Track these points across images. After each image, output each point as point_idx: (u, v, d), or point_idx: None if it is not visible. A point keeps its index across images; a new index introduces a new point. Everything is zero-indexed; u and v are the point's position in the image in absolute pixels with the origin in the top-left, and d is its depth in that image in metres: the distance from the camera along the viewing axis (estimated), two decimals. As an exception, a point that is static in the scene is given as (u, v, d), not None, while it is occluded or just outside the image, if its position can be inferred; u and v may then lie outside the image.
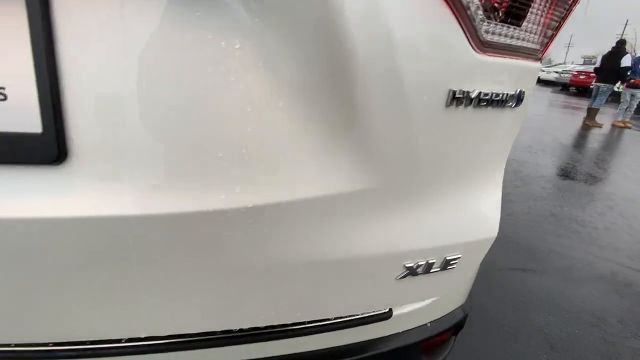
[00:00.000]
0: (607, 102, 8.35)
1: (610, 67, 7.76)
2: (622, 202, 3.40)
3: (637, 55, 8.86)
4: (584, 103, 8.98)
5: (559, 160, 4.74)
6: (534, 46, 0.58)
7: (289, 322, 0.62)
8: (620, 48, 7.85)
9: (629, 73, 8.01)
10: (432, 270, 0.65)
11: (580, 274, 2.16)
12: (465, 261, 0.69)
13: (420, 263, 0.63)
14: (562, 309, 1.84)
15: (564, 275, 2.12)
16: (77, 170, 0.43)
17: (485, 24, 0.50)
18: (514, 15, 0.52)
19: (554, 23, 0.58)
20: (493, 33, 0.51)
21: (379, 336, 0.69)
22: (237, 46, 0.42)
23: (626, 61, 7.56)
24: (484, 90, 0.53)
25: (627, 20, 38.26)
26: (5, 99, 0.39)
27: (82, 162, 0.43)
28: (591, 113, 8.19)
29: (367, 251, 0.58)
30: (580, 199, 3.38)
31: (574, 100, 13.33)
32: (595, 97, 8.26)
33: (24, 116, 0.40)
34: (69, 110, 0.40)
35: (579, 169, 4.44)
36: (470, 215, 0.66)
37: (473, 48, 0.50)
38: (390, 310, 0.68)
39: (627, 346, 1.63)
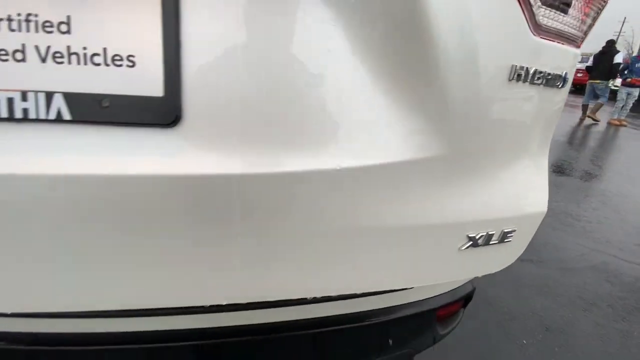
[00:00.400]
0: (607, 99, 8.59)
1: (603, 65, 8.13)
2: (615, 198, 3.55)
3: (634, 55, 9.06)
4: (580, 101, 9.17)
5: (554, 157, 4.89)
6: (577, 33, 0.65)
7: (358, 291, 0.65)
8: (611, 47, 8.20)
9: (625, 72, 8.24)
10: (491, 242, 0.67)
11: (574, 264, 2.30)
12: (520, 235, 0.71)
13: (481, 234, 0.65)
14: (557, 295, 1.98)
15: (559, 265, 2.27)
16: (188, 132, 0.47)
17: (542, 9, 0.57)
18: (563, 4, 0.60)
19: (593, 13, 0.66)
20: (547, 18, 0.57)
21: (403, 302, 0.82)
22: (333, 18, 0.47)
23: (619, 58, 7.96)
24: (539, 69, 0.58)
25: (625, 18, 38.47)
26: (133, 65, 0.44)
27: (193, 125, 0.47)
28: (584, 109, 8.54)
29: (433, 220, 0.60)
30: (575, 195, 3.53)
31: (570, 98, 13.49)
32: (588, 94, 8.57)
33: (149, 81, 0.45)
34: (185, 78, 0.45)
35: (574, 166, 4.59)
36: (525, 189, 0.69)
37: (531, 30, 0.55)
38: (413, 281, 0.80)
39: (615, 328, 1.78)
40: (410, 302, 0.83)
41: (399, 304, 0.82)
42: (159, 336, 0.71)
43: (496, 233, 0.67)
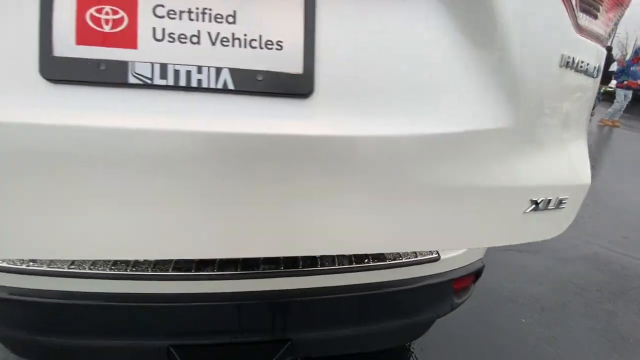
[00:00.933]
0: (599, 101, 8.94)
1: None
2: (606, 195, 3.80)
3: (628, 58, 9.36)
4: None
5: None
6: (604, 34, 0.76)
7: (435, 248, 0.78)
8: (608, 54, 8.49)
9: (621, 74, 8.59)
10: (549, 208, 0.74)
11: (568, 254, 2.54)
12: (571, 203, 0.79)
13: (542, 199, 0.72)
14: (551, 281, 2.21)
15: (553, 255, 2.50)
16: (318, 102, 0.58)
17: (581, 14, 0.68)
18: (594, 10, 0.71)
19: (615, 19, 0.78)
20: (584, 20, 0.69)
21: (431, 273, 1.03)
22: (436, 8, 0.61)
23: (614, 66, 8.57)
24: (580, 59, 0.69)
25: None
26: (281, 49, 0.57)
27: (322, 97, 0.58)
28: None
29: (505, 182, 0.69)
30: (569, 193, 3.77)
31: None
32: None
33: (292, 61, 0.57)
34: (318, 59, 0.58)
35: (569, 166, 4.84)
36: (575, 162, 0.78)
37: (574, 29, 0.67)
38: (438, 254, 1.01)
39: (602, 308, 2.01)
40: (436, 273, 1.04)
41: (428, 274, 1.03)
42: (244, 297, 0.92)
43: (553, 199, 0.74)
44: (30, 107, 0.53)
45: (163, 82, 0.55)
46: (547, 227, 0.83)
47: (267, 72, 0.57)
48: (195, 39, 0.55)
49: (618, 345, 1.75)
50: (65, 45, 0.53)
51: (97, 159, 0.55)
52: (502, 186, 0.70)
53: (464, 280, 1.15)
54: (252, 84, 0.57)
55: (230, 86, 0.56)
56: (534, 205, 0.73)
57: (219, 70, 0.56)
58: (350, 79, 0.60)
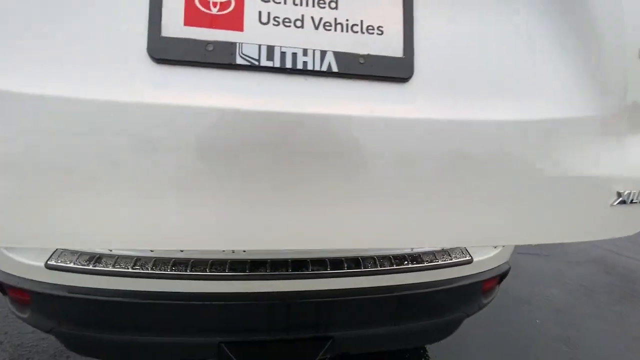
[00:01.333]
0: None
1: None
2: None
3: None
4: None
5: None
6: None
7: (521, 242, 0.76)
8: None
9: None
10: (634, 201, 0.72)
11: (576, 257, 2.61)
12: None
13: (627, 191, 0.70)
14: (563, 283, 2.28)
15: (563, 258, 2.57)
16: (418, 86, 0.59)
17: None
18: None
19: None
20: None
21: (462, 275, 1.09)
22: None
23: None
24: None
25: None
26: (382, 34, 0.59)
27: (421, 81, 0.59)
28: None
29: (591, 173, 0.68)
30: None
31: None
32: None
33: (393, 46, 0.58)
34: (417, 44, 0.60)
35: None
36: None
37: None
38: (471, 256, 1.08)
39: (612, 310, 2.08)
40: (468, 275, 1.11)
41: (461, 275, 1.10)
42: (293, 296, 0.98)
43: (637, 192, 0.72)
44: (137, 86, 0.53)
45: (269, 64, 0.56)
46: (632, 223, 0.79)
47: (369, 55, 0.58)
48: (299, 23, 0.57)
49: (631, 346, 1.81)
50: (174, 26, 0.54)
51: (203, 141, 0.55)
52: (589, 176, 0.68)
53: (492, 282, 1.21)
54: (355, 67, 0.58)
55: (335, 69, 0.57)
56: (619, 199, 0.71)
57: (323, 53, 0.57)
58: (447, 65, 0.61)
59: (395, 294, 1.05)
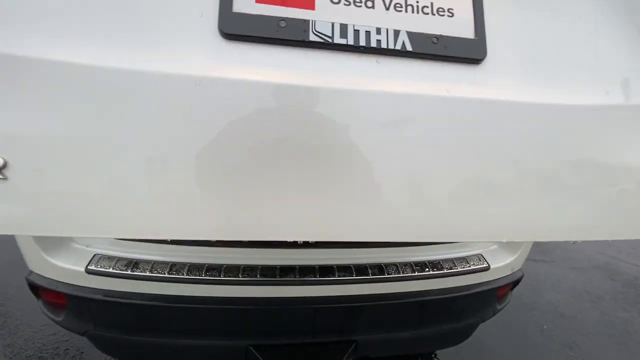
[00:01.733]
0: None
1: None
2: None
3: None
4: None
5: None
6: None
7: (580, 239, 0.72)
8: None
9: None
10: None
11: (581, 264, 2.65)
12: None
13: None
14: (568, 289, 2.32)
15: (568, 264, 2.61)
16: (490, 68, 0.60)
17: None
18: None
19: None
20: None
21: (480, 281, 1.13)
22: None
23: None
24: None
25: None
26: (452, 15, 0.60)
27: (495, 63, 0.60)
28: None
29: None
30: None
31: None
32: None
33: (464, 27, 0.60)
34: (488, 27, 0.61)
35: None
36: None
37: None
38: (489, 264, 1.12)
39: (618, 316, 2.12)
40: (485, 281, 1.15)
41: (478, 282, 1.14)
42: (319, 301, 1.02)
43: None
44: (207, 60, 0.53)
45: (342, 41, 0.56)
46: None
47: (442, 36, 0.59)
48: (369, 4, 0.57)
49: (636, 352, 1.85)
50: (246, 2, 0.54)
51: (273, 117, 0.54)
52: None
53: (506, 288, 1.26)
54: (429, 47, 0.58)
55: (409, 47, 0.57)
56: None
57: (397, 32, 0.57)
58: (518, 47, 0.61)
59: (416, 299, 1.09)
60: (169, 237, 0.60)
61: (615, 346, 1.88)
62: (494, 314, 1.29)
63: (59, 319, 1.06)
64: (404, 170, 0.60)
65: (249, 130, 0.54)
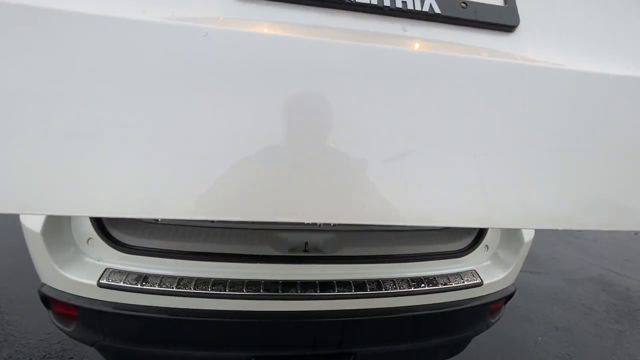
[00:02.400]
0: None
1: None
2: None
3: None
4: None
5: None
6: None
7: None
8: None
9: None
10: None
11: (575, 275, 2.70)
12: None
13: None
14: (562, 301, 2.37)
15: (562, 276, 2.66)
16: (522, 35, 0.58)
17: None
18: None
19: None
20: None
21: (474, 296, 1.18)
22: None
23: None
24: None
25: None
26: None
27: (526, 30, 0.58)
28: None
29: None
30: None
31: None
32: None
33: None
34: None
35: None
36: None
37: None
38: (482, 280, 1.17)
39: (610, 328, 2.16)
40: (479, 296, 1.20)
41: (472, 297, 1.19)
42: (320, 315, 1.07)
43: None
44: (225, 17, 0.51)
45: (366, 1, 0.53)
46: None
47: (470, 1, 0.57)
48: None
49: (628, 363, 1.90)
50: None
51: (287, 77, 0.51)
52: None
53: (499, 302, 1.30)
54: (457, 10, 0.56)
55: (437, 10, 0.55)
56: None
57: None
58: (550, 16, 0.60)
59: (412, 314, 1.14)
60: (187, 216, 0.54)
61: (608, 358, 1.92)
62: (488, 327, 1.34)
63: (69, 329, 1.10)
64: (428, 132, 0.55)
65: (262, 90, 0.50)
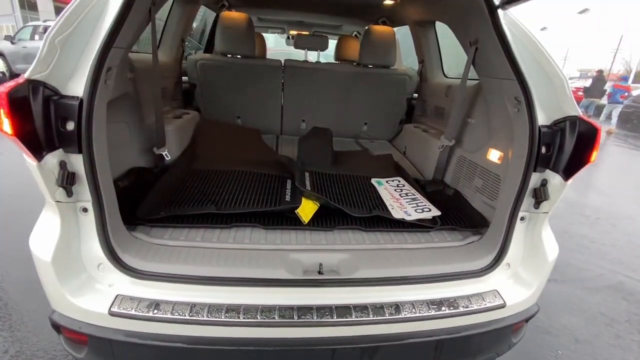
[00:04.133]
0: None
1: (595, 88, 10.80)
2: (624, 220, 3.88)
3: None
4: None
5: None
6: None
7: None
8: (601, 76, 10.77)
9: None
10: None
11: (594, 283, 2.62)
12: None
13: None
14: (581, 311, 2.29)
15: (580, 284, 2.58)
16: None
17: None
18: None
19: None
20: None
21: (497, 318, 1.14)
22: None
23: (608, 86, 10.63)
24: None
25: (622, 36, 39.82)
26: None
27: None
28: None
29: None
30: (586, 218, 3.86)
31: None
32: (586, 107, 10.81)
33: None
34: None
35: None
36: None
37: None
38: (505, 301, 1.12)
39: (634, 340, 2.08)
40: (501, 318, 1.15)
41: (494, 319, 1.14)
42: (339, 341, 1.03)
43: None
44: None
45: None
46: None
47: None
48: None
49: (654, 379, 1.82)
50: None
51: None
52: None
53: (522, 322, 1.25)
54: None
55: None
56: None
57: None
58: None
59: (433, 338, 1.10)
60: None
61: (632, 372, 1.85)
62: (510, 348, 1.29)
63: (80, 355, 1.08)
64: None
65: None
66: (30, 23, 10.19)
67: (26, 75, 0.87)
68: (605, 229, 3.61)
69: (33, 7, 21.31)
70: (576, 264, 2.87)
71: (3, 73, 8.06)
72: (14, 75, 9.59)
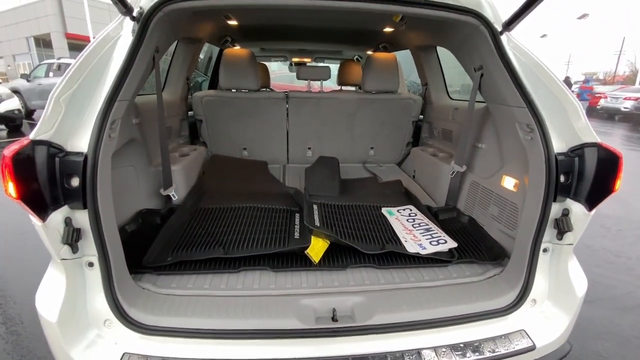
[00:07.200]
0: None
1: None
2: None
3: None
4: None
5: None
6: None
7: None
8: (567, 80, 11.60)
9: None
10: None
11: (624, 302, 2.47)
12: None
13: None
14: (614, 335, 2.15)
15: (609, 304, 2.44)
16: None
17: None
18: None
19: None
20: None
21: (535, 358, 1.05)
22: None
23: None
24: None
25: (624, 38, 39.69)
26: None
27: None
28: None
29: None
30: (606, 229, 3.70)
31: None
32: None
33: None
34: None
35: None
36: None
37: None
38: (534, 343, 1.05)
39: (675, 367, 1.93)
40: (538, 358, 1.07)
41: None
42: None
43: None
44: None
45: None
46: None
47: None
48: None
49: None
50: None
51: None
52: None
53: (555, 362, 1.16)
54: None
55: None
56: None
57: None
58: None
59: None
60: None
61: (677, 404, 1.70)
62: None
63: None
64: None
65: None
66: (45, 61, 10.62)
67: (31, 136, 0.87)
68: (629, 241, 3.45)
69: (48, 45, 22.40)
70: (602, 281, 2.73)
71: (19, 110, 8.36)
72: (29, 111, 9.94)
